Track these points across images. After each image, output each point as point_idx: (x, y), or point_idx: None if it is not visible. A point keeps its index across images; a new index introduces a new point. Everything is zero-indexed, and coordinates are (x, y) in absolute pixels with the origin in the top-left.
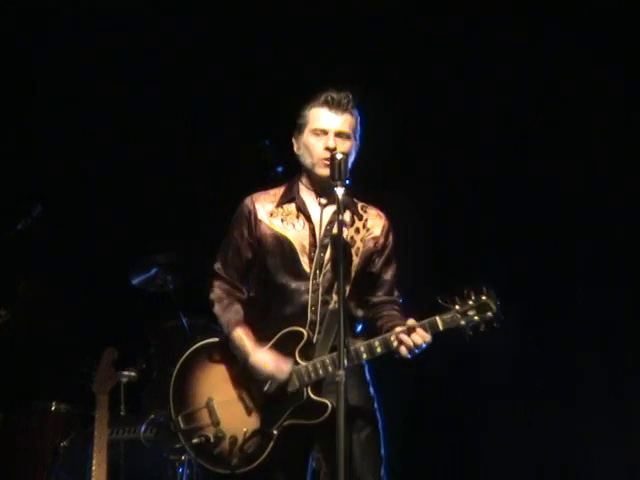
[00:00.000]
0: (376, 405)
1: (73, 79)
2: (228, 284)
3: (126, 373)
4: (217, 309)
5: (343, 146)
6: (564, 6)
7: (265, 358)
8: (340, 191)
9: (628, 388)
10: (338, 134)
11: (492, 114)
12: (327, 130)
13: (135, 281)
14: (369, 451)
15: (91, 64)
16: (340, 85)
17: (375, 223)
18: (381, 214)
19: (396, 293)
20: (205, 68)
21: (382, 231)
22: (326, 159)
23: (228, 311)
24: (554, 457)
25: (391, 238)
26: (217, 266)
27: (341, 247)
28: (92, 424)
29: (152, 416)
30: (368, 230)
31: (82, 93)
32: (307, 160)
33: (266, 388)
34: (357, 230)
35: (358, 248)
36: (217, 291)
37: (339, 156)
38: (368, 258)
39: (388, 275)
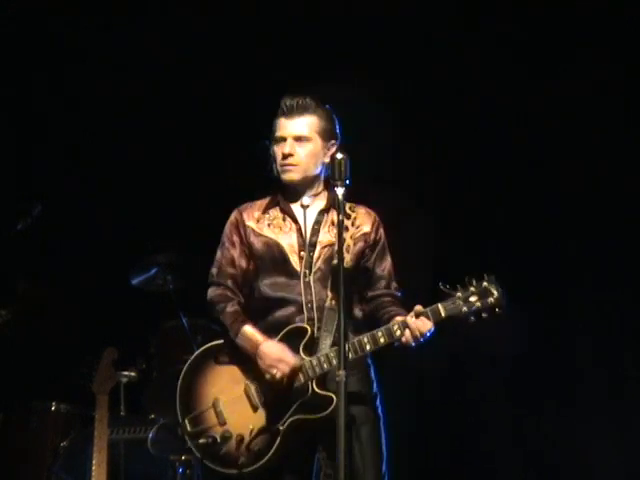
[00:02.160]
0: (378, 402)
1: (73, 78)
2: (224, 289)
3: (126, 373)
4: (217, 310)
5: (301, 149)
6: (564, 6)
7: (274, 347)
8: (340, 191)
9: (627, 388)
10: (297, 138)
11: (496, 113)
12: (285, 137)
13: (135, 281)
14: (369, 449)
15: (91, 63)
16: (303, 88)
17: (364, 220)
18: (370, 211)
19: (394, 285)
20: (205, 68)
21: (372, 226)
22: (284, 165)
23: (229, 311)
24: (554, 457)
25: (382, 232)
26: (212, 274)
27: (342, 247)
28: (92, 424)
29: (161, 420)
30: (357, 227)
31: (82, 92)
32: (275, 169)
33: (274, 372)
34: (346, 228)
35: (348, 245)
36: (213, 293)
37: (339, 156)
38: (360, 254)
39: (383, 269)
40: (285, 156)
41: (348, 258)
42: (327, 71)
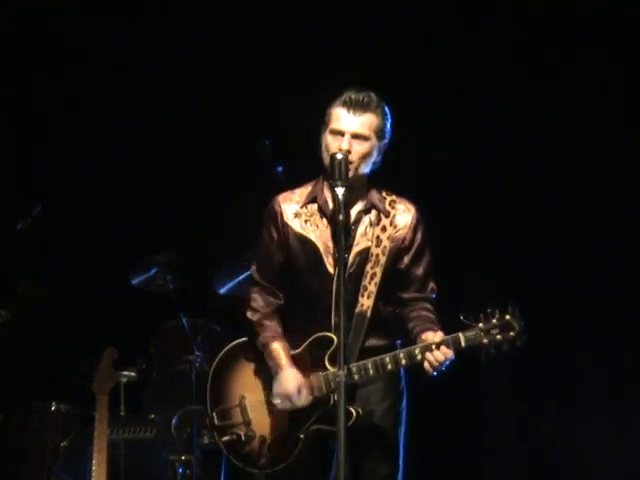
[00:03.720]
0: (404, 404)
1: (73, 78)
2: (265, 290)
3: (126, 373)
4: (253, 316)
5: (359, 148)
6: (566, 6)
7: (292, 379)
8: (340, 191)
9: (627, 388)
10: (355, 136)
11: (496, 113)
12: (343, 131)
13: (135, 281)
14: (386, 458)
15: (91, 63)
16: (364, 85)
17: (403, 218)
18: (410, 207)
19: (430, 287)
20: (205, 67)
21: (410, 226)
22: None
23: (266, 322)
24: (553, 457)
25: (420, 232)
26: (253, 269)
27: (342, 249)
28: (92, 424)
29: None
30: (395, 227)
31: (82, 92)
32: (325, 160)
33: (277, 402)
34: (384, 228)
35: (385, 247)
36: (255, 298)
37: (339, 156)
38: (396, 255)
39: (419, 271)
40: (341, 152)
41: (383, 260)
42: (327, 71)
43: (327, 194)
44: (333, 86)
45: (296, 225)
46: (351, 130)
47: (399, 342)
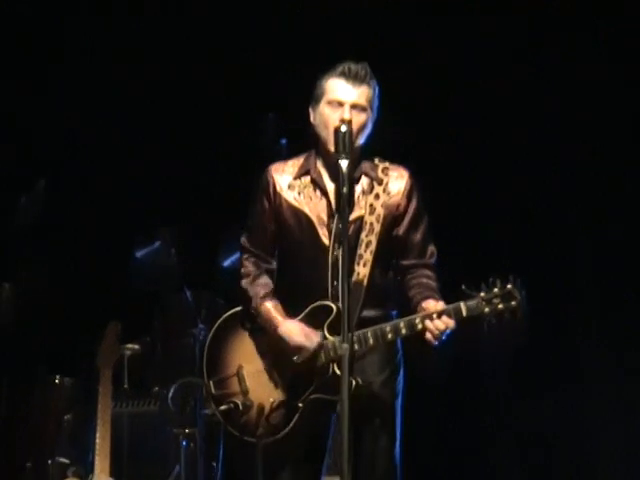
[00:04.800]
0: (400, 377)
1: (75, 58)
2: (255, 256)
3: (130, 346)
4: (244, 283)
5: (359, 118)
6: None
7: (294, 328)
8: (344, 163)
9: (631, 372)
10: (354, 106)
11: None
12: (343, 102)
13: (139, 254)
14: (383, 430)
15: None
16: (358, 56)
17: (396, 185)
18: (403, 173)
19: (429, 252)
20: (206, 40)
21: (404, 192)
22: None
23: (255, 284)
24: (554, 438)
25: (415, 197)
26: (243, 239)
27: (346, 222)
28: (96, 398)
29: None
30: (389, 194)
31: (84, 70)
32: (322, 132)
33: (296, 358)
34: (377, 196)
35: (379, 214)
36: (245, 264)
37: (343, 128)
38: (391, 223)
39: (417, 237)
40: (344, 122)
41: (378, 228)
42: (331, 42)
43: (320, 166)
44: (351, 57)
45: (289, 197)
46: (351, 100)
47: (394, 313)
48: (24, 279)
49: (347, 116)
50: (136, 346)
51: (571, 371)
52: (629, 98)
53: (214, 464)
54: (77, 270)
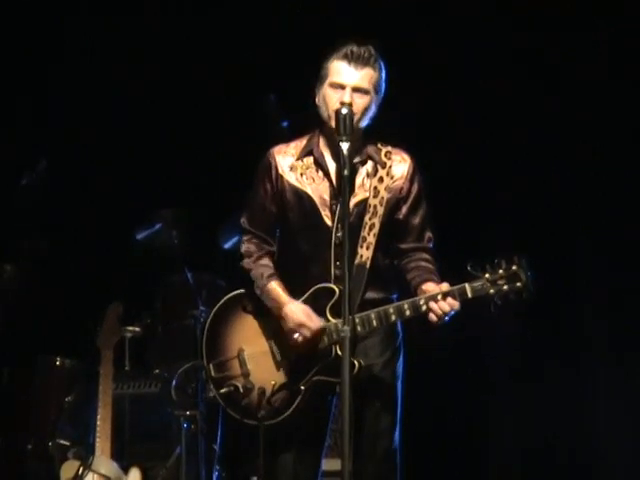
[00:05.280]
0: (401, 360)
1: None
2: (257, 237)
3: (131, 328)
4: (247, 262)
5: (360, 101)
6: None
7: (298, 309)
8: (345, 146)
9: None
10: (356, 89)
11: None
12: (344, 84)
13: (140, 236)
14: (384, 411)
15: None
16: (364, 39)
17: (399, 169)
18: (405, 157)
19: (427, 236)
20: (206, 40)
21: (406, 176)
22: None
23: (258, 264)
24: (556, 423)
25: (417, 181)
26: (243, 220)
27: (347, 204)
28: (97, 379)
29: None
30: (392, 177)
31: (84, 70)
32: (324, 113)
33: (296, 336)
34: (380, 179)
35: (382, 197)
36: (247, 245)
37: (344, 111)
38: (394, 206)
39: (416, 220)
40: (343, 104)
41: (381, 211)
42: (331, 24)
43: (323, 147)
44: (355, 39)
45: (292, 178)
46: (352, 83)
47: (395, 296)
48: (25, 260)
49: (347, 99)
50: (137, 328)
51: (573, 354)
52: (629, 98)
53: (215, 446)
54: (79, 252)
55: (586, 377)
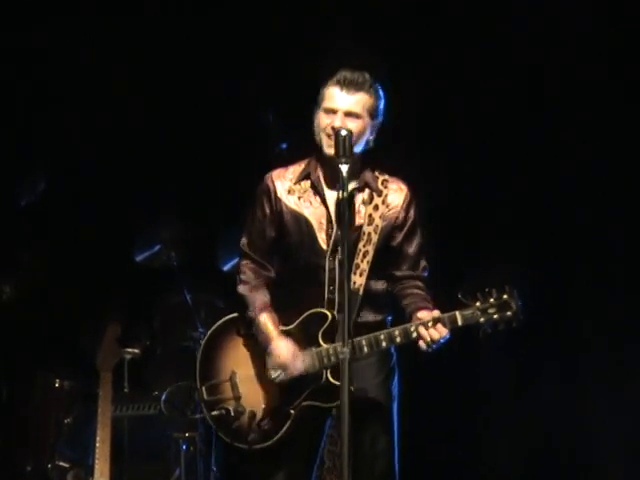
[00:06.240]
0: (395, 381)
1: (74, 62)
2: (255, 263)
3: (130, 350)
4: (242, 289)
5: (352, 125)
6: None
7: (284, 348)
8: (344, 168)
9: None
10: (348, 113)
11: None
12: (336, 109)
13: (139, 258)
14: (381, 432)
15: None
16: (360, 64)
17: (395, 198)
18: (402, 187)
19: (422, 265)
20: (210, 41)
21: (402, 205)
22: (330, 137)
23: (254, 294)
24: (552, 425)
25: (412, 211)
26: (243, 243)
27: (346, 225)
28: (96, 401)
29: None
30: (388, 206)
31: (83, 65)
32: (317, 137)
33: (274, 376)
34: (376, 207)
35: (377, 226)
36: (245, 270)
37: (343, 132)
38: (388, 234)
39: (411, 249)
40: (334, 129)
41: (376, 239)
42: (331, 44)
43: (320, 172)
44: (351, 65)
45: (290, 201)
46: (344, 108)
47: (390, 318)
48: (24, 282)
49: (337, 124)
50: (136, 350)
51: (573, 354)
52: (629, 98)
53: (214, 468)
54: (77, 274)
55: (586, 377)
